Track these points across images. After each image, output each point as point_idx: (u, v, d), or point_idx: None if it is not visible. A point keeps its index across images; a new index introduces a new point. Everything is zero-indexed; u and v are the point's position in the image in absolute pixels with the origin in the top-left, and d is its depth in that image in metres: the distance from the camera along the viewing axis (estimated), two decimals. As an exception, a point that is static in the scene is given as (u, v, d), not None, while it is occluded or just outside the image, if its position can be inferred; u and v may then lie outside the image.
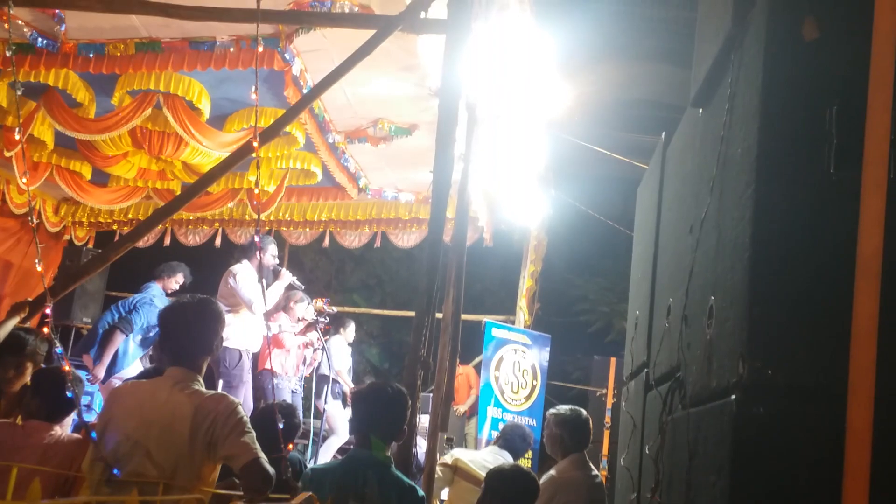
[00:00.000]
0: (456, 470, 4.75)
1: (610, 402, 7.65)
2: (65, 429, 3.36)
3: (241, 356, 6.13)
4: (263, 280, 6.33)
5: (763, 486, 1.81)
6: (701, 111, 2.68)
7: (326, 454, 7.27)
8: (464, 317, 5.10)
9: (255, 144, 3.48)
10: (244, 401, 5.92)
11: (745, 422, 1.83)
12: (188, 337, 2.88)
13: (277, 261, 6.67)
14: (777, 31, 1.90)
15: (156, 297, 6.53)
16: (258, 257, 6.37)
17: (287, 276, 6.56)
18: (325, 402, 7.20)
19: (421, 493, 3.13)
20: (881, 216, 1.57)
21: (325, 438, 7.39)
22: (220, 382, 6.02)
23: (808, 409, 1.80)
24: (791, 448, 1.80)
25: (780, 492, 1.79)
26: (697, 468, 2.20)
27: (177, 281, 6.80)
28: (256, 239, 5.91)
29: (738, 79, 2.17)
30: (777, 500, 1.79)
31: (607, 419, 7.63)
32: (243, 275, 6.27)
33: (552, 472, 4.10)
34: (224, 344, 6.04)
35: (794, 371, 1.81)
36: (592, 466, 4.29)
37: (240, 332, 6.09)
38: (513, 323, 8.59)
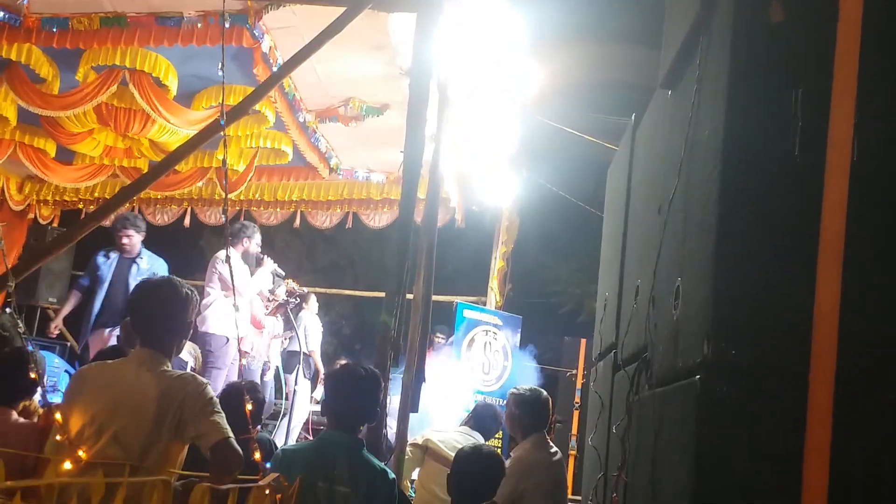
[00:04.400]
0: (426, 450, 4.76)
1: (580, 382, 7.72)
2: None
3: (227, 341, 6.10)
4: (248, 267, 6.34)
5: (726, 465, 1.83)
6: (670, 93, 2.69)
7: (291, 436, 7.20)
8: (435, 298, 5.09)
9: (223, 122, 3.43)
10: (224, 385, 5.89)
11: (710, 401, 1.85)
12: (160, 318, 2.85)
13: (259, 248, 6.64)
14: (744, 13, 1.90)
15: None
16: (244, 245, 6.33)
17: (269, 264, 6.55)
18: (296, 383, 7.16)
19: (391, 475, 3.14)
20: (844, 199, 1.59)
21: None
22: (205, 365, 6.00)
23: (771, 388, 1.82)
24: (754, 427, 1.82)
25: (743, 470, 1.81)
26: (663, 447, 2.22)
27: None
28: (224, 218, 5.83)
29: (705, 61, 2.17)
30: (740, 478, 1.82)
31: (577, 399, 7.70)
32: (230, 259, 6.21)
33: (515, 454, 4.13)
34: (210, 330, 6.03)
35: (757, 351, 1.83)
36: (552, 444, 4.35)
37: (226, 319, 6.05)
38: (484, 304, 8.60)
